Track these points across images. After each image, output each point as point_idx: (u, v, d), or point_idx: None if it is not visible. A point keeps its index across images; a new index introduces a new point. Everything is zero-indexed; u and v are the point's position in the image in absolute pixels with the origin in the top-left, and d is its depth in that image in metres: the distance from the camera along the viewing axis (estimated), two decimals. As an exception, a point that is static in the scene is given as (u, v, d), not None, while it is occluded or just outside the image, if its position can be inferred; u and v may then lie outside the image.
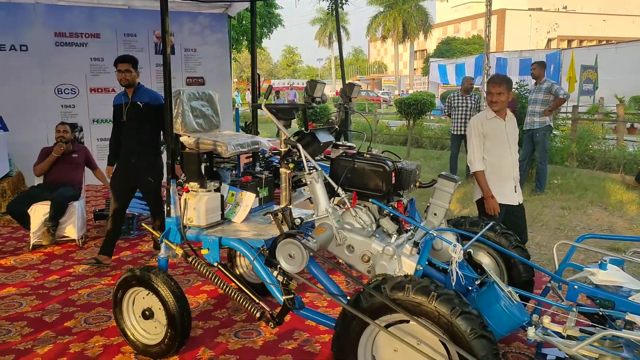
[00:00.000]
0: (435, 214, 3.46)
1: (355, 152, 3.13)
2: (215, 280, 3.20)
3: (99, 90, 9.86)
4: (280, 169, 3.48)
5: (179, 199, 3.37)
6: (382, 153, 3.25)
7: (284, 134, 3.17)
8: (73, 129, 6.25)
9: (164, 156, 3.46)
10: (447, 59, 34.73)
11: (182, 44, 10.43)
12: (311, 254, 2.64)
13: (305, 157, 3.05)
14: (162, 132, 4.94)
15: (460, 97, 9.43)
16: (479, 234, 3.09)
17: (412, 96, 13.07)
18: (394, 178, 3.03)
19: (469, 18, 57.07)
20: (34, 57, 9.32)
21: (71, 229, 5.86)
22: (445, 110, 9.98)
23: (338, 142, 3.38)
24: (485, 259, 3.77)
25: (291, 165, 3.48)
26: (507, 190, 4.28)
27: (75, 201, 5.89)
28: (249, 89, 47.90)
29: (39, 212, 5.71)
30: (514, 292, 2.59)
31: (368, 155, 3.08)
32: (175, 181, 3.37)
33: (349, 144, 3.41)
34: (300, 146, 3.05)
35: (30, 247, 5.73)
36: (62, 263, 5.35)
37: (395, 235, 2.86)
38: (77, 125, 8.91)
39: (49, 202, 5.66)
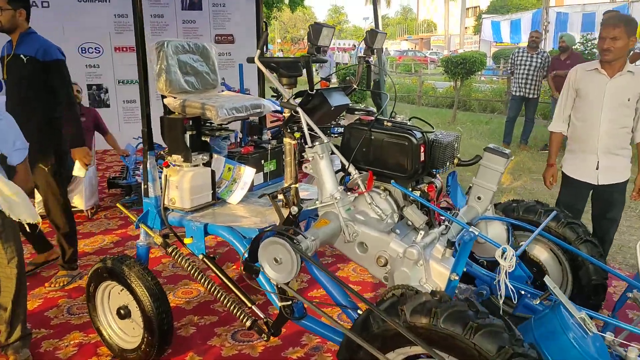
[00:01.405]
0: (479, 198, 2.71)
1: (373, 118, 2.39)
2: (199, 277, 2.59)
3: (124, 49, 9.33)
4: (284, 139, 2.79)
5: (160, 175, 2.75)
6: (410, 120, 2.50)
7: (283, 96, 2.46)
8: (80, 91, 5.73)
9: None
10: (501, 15, 32.47)
11: (209, -2, 9.71)
12: (306, 257, 1.96)
13: (307, 125, 2.34)
14: (59, 97, 3.64)
15: (525, 55, 8.31)
16: (538, 230, 2.32)
17: (460, 55, 11.94)
18: (423, 153, 2.28)
19: (527, -29, 53.28)
20: (56, 13, 8.85)
21: (78, 199, 5.41)
22: (509, 68, 8.88)
23: (355, 106, 2.63)
24: (543, 254, 3.00)
25: (297, 135, 2.78)
26: (586, 165, 3.38)
27: (82, 169, 5.39)
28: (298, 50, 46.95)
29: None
30: (589, 319, 1.84)
31: (389, 124, 2.33)
32: (153, 153, 2.74)
33: (368, 108, 2.66)
34: (301, 110, 2.34)
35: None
36: (64, 237, 4.90)
37: (424, 231, 2.14)
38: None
39: (53, 170, 5.19)
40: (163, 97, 2.97)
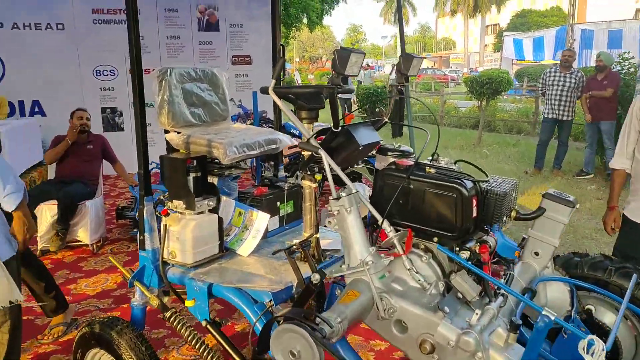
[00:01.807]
0: (536, 254, 2.26)
1: (412, 162, 1.97)
2: (202, 350, 2.17)
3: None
4: (303, 182, 2.39)
5: (158, 224, 2.36)
6: (456, 164, 2.07)
7: (303, 133, 2.06)
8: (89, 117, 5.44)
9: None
10: (523, 33, 31.93)
11: (226, 19, 9.46)
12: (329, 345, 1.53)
13: (331, 170, 1.93)
14: None
15: (558, 74, 7.83)
16: (624, 302, 1.86)
17: (485, 74, 11.48)
18: (475, 207, 1.85)
19: (548, -12, 52.81)
20: (70, 36, 8.69)
21: (83, 232, 5.06)
22: (540, 89, 8.41)
23: (388, 145, 2.21)
24: (608, 316, 2.52)
25: (318, 177, 2.37)
26: None
27: (88, 200, 5.07)
28: (312, 70, 46.93)
29: (46, 213, 4.94)
30: None
31: (433, 170, 1.90)
32: (151, 199, 2.35)
33: (404, 147, 2.23)
34: (323, 152, 1.93)
35: (38, 252, 4.98)
36: (66, 275, 4.56)
37: (479, 309, 1.69)
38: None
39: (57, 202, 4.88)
40: (166, 132, 2.59)
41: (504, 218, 1.96)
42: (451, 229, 1.83)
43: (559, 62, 8.06)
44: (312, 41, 52.14)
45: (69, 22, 8.64)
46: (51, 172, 5.76)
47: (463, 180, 1.84)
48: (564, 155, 8.27)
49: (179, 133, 2.54)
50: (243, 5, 9.46)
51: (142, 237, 2.35)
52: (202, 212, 2.40)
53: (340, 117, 2.39)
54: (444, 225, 1.85)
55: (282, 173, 3.12)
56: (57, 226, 4.89)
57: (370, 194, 2.11)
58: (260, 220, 2.57)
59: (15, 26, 8.40)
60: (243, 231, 2.61)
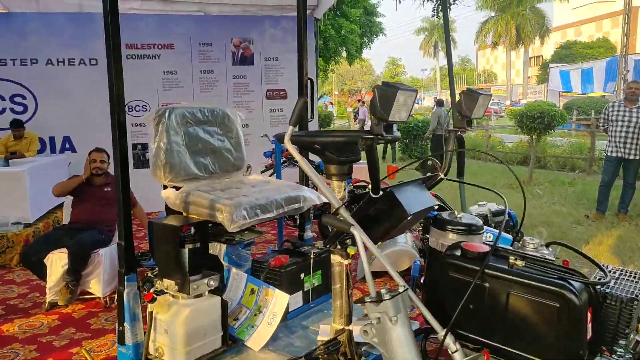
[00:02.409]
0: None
1: (486, 248, 1.36)
2: None
3: (172, 107, 8.83)
4: (332, 257, 1.81)
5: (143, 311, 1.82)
6: (549, 247, 1.44)
7: (330, 202, 1.49)
8: (108, 157, 5.05)
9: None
10: (570, 64, 30.84)
11: (262, 52, 9.13)
12: None
13: (368, 256, 1.34)
14: None
15: (623, 109, 7.07)
16: None
17: (534, 107, 10.72)
18: (589, 323, 1.21)
19: (593, 19, 51.49)
20: (104, 71, 8.44)
21: (95, 284, 4.59)
22: (601, 124, 7.64)
23: (445, 215, 1.62)
24: None
25: (351, 251, 1.79)
26: None
27: (102, 248, 4.62)
28: (355, 103, 46.75)
29: (56, 263, 4.51)
30: None
31: (519, 261, 1.28)
32: (134, 278, 1.81)
33: (469, 218, 1.63)
34: (357, 231, 1.35)
35: (47, 306, 4.54)
36: (71, 335, 4.07)
37: None
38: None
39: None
40: (165, 187, 2.07)
41: (631, 335, 1.32)
42: (552, 355, 1.21)
43: (609, 93, 7.31)
44: (351, 74, 52.18)
45: (102, 57, 8.46)
46: (66, 218, 5.38)
47: (569, 279, 1.22)
48: (631, 198, 7.40)
49: (178, 189, 2.01)
50: (279, 39, 9.14)
51: (121, 328, 1.80)
52: (200, 295, 1.84)
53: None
54: (539, 349, 1.22)
55: (308, 234, 2.55)
56: (67, 277, 4.45)
57: (423, 279, 1.51)
58: (278, 302, 2.00)
59: (49, 62, 8.32)
60: (256, 314, 2.04)
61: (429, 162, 1.86)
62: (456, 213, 1.56)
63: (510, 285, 1.24)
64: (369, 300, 1.31)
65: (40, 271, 4.59)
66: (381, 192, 1.60)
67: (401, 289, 1.33)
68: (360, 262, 4.99)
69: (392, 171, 2.50)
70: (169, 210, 2.02)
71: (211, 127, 2.26)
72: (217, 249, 2.30)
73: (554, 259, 1.30)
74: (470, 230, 1.52)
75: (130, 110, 8.73)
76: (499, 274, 1.26)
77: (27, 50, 8.19)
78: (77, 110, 8.27)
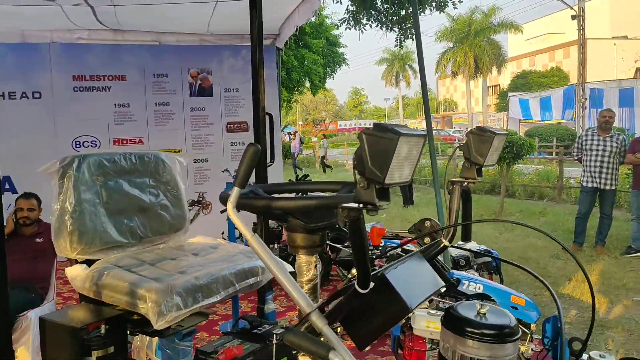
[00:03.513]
0: None
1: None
2: None
3: (124, 142, 8.23)
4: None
5: None
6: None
7: (298, 303, 1.00)
8: (39, 203, 4.43)
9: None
10: (528, 93, 31.56)
11: (221, 83, 8.66)
12: None
13: None
14: None
15: (596, 138, 6.87)
16: None
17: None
18: None
19: (546, 50, 53.42)
20: (48, 105, 7.86)
21: (23, 353, 3.91)
22: (574, 154, 7.41)
23: (464, 303, 1.14)
24: None
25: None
26: None
27: (31, 310, 3.96)
28: (318, 134, 46.54)
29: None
30: None
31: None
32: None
33: (499, 309, 1.15)
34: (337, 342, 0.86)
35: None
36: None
37: None
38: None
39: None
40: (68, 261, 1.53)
41: None
42: None
43: (568, 121, 7.16)
44: (315, 104, 52.23)
45: (46, 90, 7.84)
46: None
47: None
48: (608, 229, 7.17)
49: (86, 267, 1.47)
50: (239, 69, 8.69)
51: None
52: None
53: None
54: None
55: (270, 306, 2.03)
56: (-12, 347, 3.75)
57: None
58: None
59: (-12, 95, 7.61)
60: None
61: (427, 224, 1.42)
62: (479, 307, 1.09)
63: None
64: None
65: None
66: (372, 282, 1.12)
67: None
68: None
69: (379, 235, 2.04)
70: (82, 297, 1.49)
71: (140, 179, 1.75)
72: (146, 342, 1.77)
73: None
74: (502, 335, 1.04)
75: (78, 146, 8.05)
76: None
77: (-37, 83, 7.50)
78: (18, 147, 7.55)
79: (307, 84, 23.94)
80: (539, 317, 3.25)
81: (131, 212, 1.69)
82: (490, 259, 4.61)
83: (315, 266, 1.28)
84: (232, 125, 8.76)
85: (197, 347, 1.81)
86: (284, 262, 1.48)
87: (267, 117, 2.13)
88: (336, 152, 31.32)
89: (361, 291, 1.01)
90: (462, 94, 60.32)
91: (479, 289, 3.26)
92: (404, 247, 3.64)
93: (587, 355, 0.97)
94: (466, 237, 1.48)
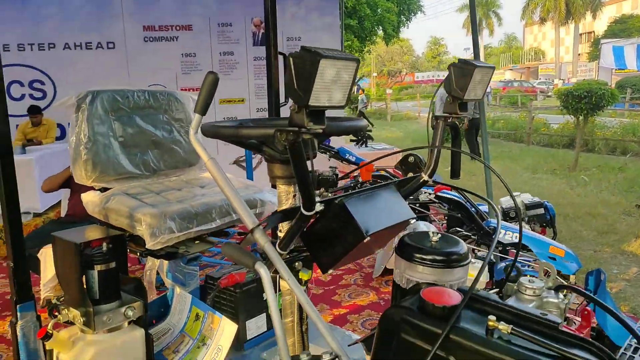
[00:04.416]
0: None
1: (460, 296, 0.89)
2: None
3: (192, 90, 8.54)
4: (280, 284, 1.40)
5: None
6: (558, 292, 0.96)
7: (243, 219, 1.06)
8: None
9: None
10: (624, 39, 28.84)
11: (283, 31, 8.66)
12: None
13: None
14: None
15: None
16: None
17: (582, 86, 9.85)
18: None
19: (652, -10, 48.16)
20: (121, 55, 8.28)
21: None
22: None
23: (421, 229, 1.15)
24: None
25: (304, 276, 1.37)
26: None
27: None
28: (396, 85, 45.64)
29: (50, 258, 4.26)
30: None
31: (505, 328, 0.81)
32: (32, 306, 1.46)
33: (452, 237, 1.15)
34: (262, 270, 0.93)
35: (42, 303, 4.30)
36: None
37: None
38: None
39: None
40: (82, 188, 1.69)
41: None
42: None
43: None
44: (390, 55, 50.82)
45: (119, 40, 8.25)
46: (64, 211, 5.15)
47: (577, 356, 0.74)
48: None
49: (99, 193, 1.62)
50: (301, 17, 8.65)
51: (15, 368, 1.45)
52: (117, 329, 1.45)
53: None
54: None
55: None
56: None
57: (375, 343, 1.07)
58: (225, 332, 1.59)
59: (66, 46, 8.15)
60: (199, 347, 1.65)
61: (411, 159, 1.41)
62: (431, 234, 1.10)
63: (487, 361, 0.79)
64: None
65: (34, 265, 4.37)
66: (328, 205, 1.16)
67: (326, 357, 0.91)
68: (378, 259, 4.54)
69: (369, 170, 2.03)
70: (85, 217, 1.66)
71: (154, 115, 1.86)
72: (157, 264, 1.93)
73: (559, 320, 0.83)
74: (450, 261, 1.05)
75: (150, 94, 8.49)
76: (471, 344, 0.80)
77: (45, 35, 8.04)
78: (95, 95, 8.10)
79: (381, 33, 23.36)
80: (578, 269, 3.14)
81: (145, 145, 1.82)
82: (543, 211, 4.43)
83: (294, 196, 1.34)
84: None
85: (207, 273, 1.95)
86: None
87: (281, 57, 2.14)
88: (410, 105, 30.57)
89: (306, 213, 1.05)
90: (551, 42, 56.31)
91: (516, 238, 3.18)
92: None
93: (518, 281, 0.95)
94: (454, 174, 1.46)
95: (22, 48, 8.02)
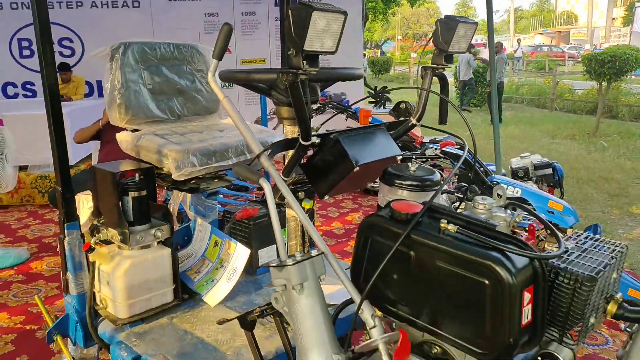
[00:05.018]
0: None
1: (421, 206, 1.11)
2: None
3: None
4: (287, 211, 1.64)
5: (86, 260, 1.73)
6: (508, 209, 1.17)
7: (251, 146, 1.29)
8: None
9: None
10: (661, 3, 27.77)
11: (304, -9, 8.72)
12: None
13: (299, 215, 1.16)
14: None
15: None
16: None
17: (608, 51, 9.72)
18: (529, 305, 0.96)
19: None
20: (146, 14, 8.46)
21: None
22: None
23: (399, 170, 1.37)
24: None
25: (306, 205, 1.60)
26: None
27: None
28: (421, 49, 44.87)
29: (83, 204, 4.57)
30: None
31: (453, 228, 1.03)
32: (77, 226, 1.72)
33: (428, 168, 1.36)
34: (265, 184, 1.16)
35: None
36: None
37: None
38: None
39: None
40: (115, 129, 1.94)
41: (591, 319, 1.05)
42: (478, 341, 0.98)
43: None
44: (416, 17, 49.71)
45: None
46: (95, 161, 5.46)
47: (508, 251, 0.96)
48: None
49: (131, 133, 1.86)
50: (324, -23, 8.68)
51: (65, 277, 1.72)
52: (147, 247, 1.72)
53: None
54: (465, 332, 0.99)
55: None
56: (93, 219, 4.54)
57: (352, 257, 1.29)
58: (239, 257, 1.85)
59: (93, 4, 8.36)
60: (217, 268, 1.90)
61: (402, 106, 1.59)
62: (410, 165, 1.31)
63: (438, 254, 1.00)
64: (274, 264, 1.13)
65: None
66: (324, 139, 1.38)
67: (314, 253, 1.14)
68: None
69: (366, 116, 2.23)
70: (117, 155, 1.90)
71: (178, 65, 2.08)
72: (181, 198, 2.18)
73: (496, 224, 1.03)
74: (423, 185, 1.26)
75: (174, 54, 8.69)
76: (426, 240, 1.02)
77: (73, -8, 8.26)
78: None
79: (406, -5, 22.95)
80: (575, 223, 3.31)
81: (170, 93, 2.04)
82: (551, 172, 4.56)
83: (299, 135, 1.55)
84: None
85: (225, 209, 2.20)
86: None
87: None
88: (434, 68, 30.05)
89: (303, 143, 1.27)
90: (585, 5, 54.35)
91: (517, 192, 3.36)
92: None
93: (473, 199, 1.15)
94: (442, 120, 1.65)
95: (52, 6, 8.24)
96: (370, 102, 8.74)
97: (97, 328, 1.72)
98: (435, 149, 3.40)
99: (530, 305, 0.95)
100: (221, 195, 4.02)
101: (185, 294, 1.86)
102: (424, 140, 3.56)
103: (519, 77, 20.08)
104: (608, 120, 11.29)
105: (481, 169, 3.58)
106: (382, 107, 8.04)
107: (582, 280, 0.96)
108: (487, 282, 0.93)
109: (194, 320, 1.74)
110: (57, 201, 1.72)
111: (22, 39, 8.27)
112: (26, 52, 8.32)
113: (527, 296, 0.94)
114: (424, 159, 3.42)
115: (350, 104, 6.85)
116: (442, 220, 1.02)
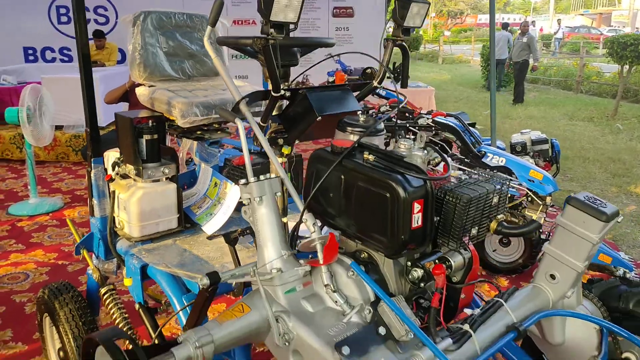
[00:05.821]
0: (552, 277, 1.65)
1: (352, 142, 1.46)
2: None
3: (241, 23, 9.06)
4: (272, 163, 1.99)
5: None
6: (425, 150, 1.50)
7: (233, 94, 1.66)
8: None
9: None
10: None
11: (331, -32, 8.96)
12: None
13: (261, 145, 1.52)
14: None
15: None
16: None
17: (633, 34, 9.67)
18: (421, 214, 1.31)
19: None
20: (177, -16, 8.81)
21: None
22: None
23: (352, 119, 1.71)
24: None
25: (285, 150, 1.95)
26: None
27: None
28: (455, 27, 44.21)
29: (112, 160, 5.06)
30: None
31: (370, 157, 1.39)
32: (100, 161, 2.12)
33: (366, 120, 1.70)
34: (239, 123, 1.52)
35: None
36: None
37: (409, 352, 1.22)
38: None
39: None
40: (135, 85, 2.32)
41: (475, 230, 1.39)
42: (383, 240, 1.33)
43: None
44: (451, -5, 48.76)
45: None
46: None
47: (408, 174, 1.31)
48: None
49: (149, 87, 2.25)
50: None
51: (91, 202, 2.14)
52: (157, 181, 2.11)
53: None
54: (376, 235, 1.35)
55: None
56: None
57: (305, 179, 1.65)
58: (231, 194, 2.22)
59: (127, -28, 8.73)
60: (215, 205, 2.29)
61: (368, 70, 1.91)
62: (360, 114, 1.64)
63: (359, 176, 1.35)
64: (242, 183, 1.49)
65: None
66: (296, 92, 1.72)
67: (273, 176, 1.49)
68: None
69: (341, 80, 2.55)
70: (136, 106, 2.28)
71: (190, 32, 2.44)
72: (188, 145, 2.56)
73: (405, 154, 1.37)
74: (369, 131, 1.60)
75: (202, 25, 9.05)
76: (352, 166, 1.37)
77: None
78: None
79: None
80: (554, 191, 3.57)
81: (183, 55, 2.41)
82: (548, 147, 4.78)
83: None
84: (338, 10, 9.14)
85: (226, 157, 2.58)
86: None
87: None
88: (465, 48, 29.79)
89: (274, 95, 1.61)
90: (629, -14, 52.28)
91: (502, 162, 3.64)
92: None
93: (398, 141, 1.48)
94: (403, 84, 1.97)
95: (88, -24, 8.67)
96: (387, 77, 8.99)
97: (115, 245, 2.13)
98: (428, 119, 3.70)
99: (420, 214, 1.29)
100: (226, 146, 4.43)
101: (188, 223, 2.25)
102: (420, 112, 3.85)
103: (547, 59, 19.81)
104: (629, 104, 11.27)
105: (472, 139, 3.87)
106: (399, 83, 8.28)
107: (460, 199, 1.30)
108: (387, 195, 1.28)
109: (193, 243, 2.14)
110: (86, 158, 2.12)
111: (60, 5, 8.74)
112: (64, 19, 8.80)
113: (417, 206, 1.28)
114: (418, 127, 3.74)
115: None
116: (364, 152, 1.37)
